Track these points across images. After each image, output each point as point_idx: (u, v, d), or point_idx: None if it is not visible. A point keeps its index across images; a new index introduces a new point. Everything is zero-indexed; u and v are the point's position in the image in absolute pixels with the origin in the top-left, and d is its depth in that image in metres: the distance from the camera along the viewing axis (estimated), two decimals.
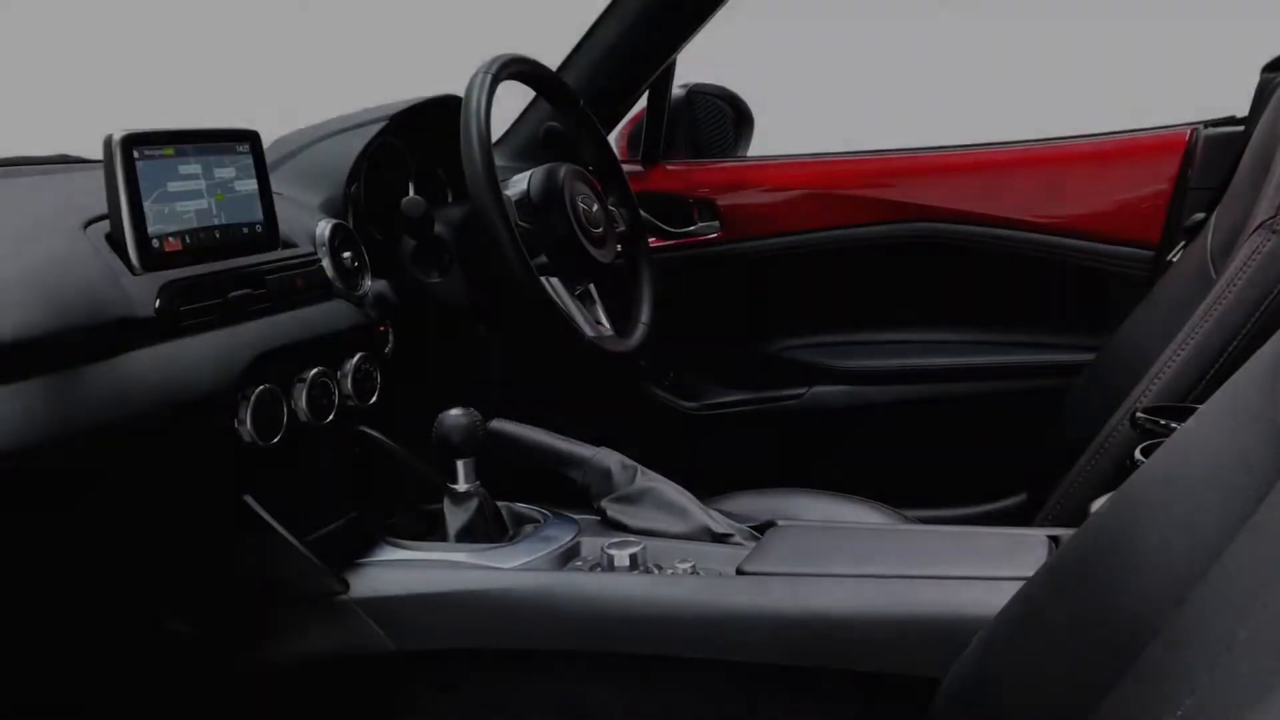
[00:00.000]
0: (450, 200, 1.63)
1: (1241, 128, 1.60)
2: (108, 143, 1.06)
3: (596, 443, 1.32)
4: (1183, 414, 1.04)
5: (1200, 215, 1.52)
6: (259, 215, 1.24)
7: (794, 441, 1.90)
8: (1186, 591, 0.60)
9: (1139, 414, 1.07)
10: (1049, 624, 0.76)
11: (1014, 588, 0.83)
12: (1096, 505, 0.94)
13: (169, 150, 1.13)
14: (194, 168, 1.16)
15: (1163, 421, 1.02)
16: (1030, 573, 0.94)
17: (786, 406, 1.89)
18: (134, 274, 1.06)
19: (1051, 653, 0.74)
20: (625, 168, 1.90)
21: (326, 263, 1.30)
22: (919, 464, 1.84)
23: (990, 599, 0.89)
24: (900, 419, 1.86)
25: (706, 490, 1.31)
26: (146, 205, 1.09)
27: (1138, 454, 0.96)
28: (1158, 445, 0.93)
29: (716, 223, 1.89)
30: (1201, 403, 0.72)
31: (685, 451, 1.90)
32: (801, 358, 1.90)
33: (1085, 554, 0.76)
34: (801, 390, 1.89)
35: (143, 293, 1.05)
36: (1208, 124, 1.68)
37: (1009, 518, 1.72)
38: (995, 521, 1.72)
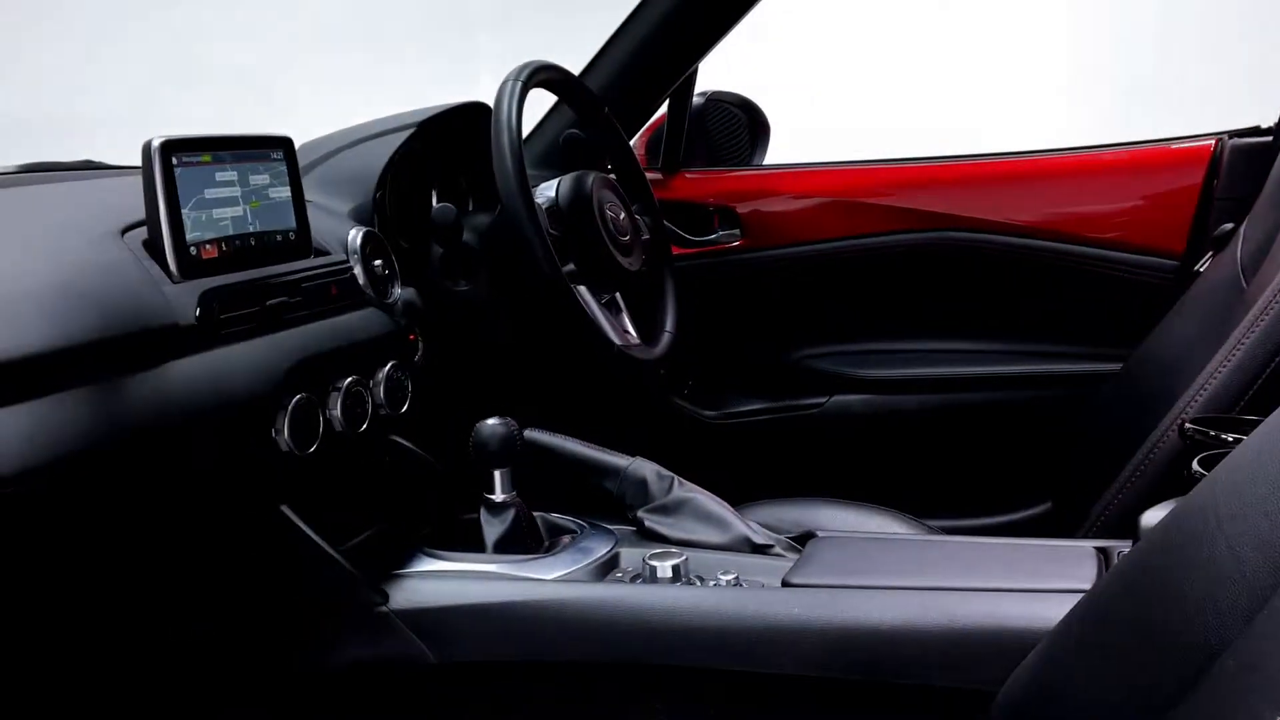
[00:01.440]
0: (472, 208, 1.62)
1: (1270, 138, 1.60)
2: (146, 149, 1.06)
3: (620, 451, 1.31)
4: (1233, 425, 1.04)
5: (1229, 225, 1.52)
6: (292, 223, 1.23)
7: (815, 451, 1.89)
8: (1258, 604, 0.60)
9: (1188, 425, 1.06)
10: (1114, 635, 0.75)
11: (1066, 600, 0.83)
12: (1149, 516, 0.94)
13: (206, 157, 1.12)
14: (230, 174, 1.15)
15: (1213, 433, 1.01)
16: (1081, 585, 0.94)
17: (807, 415, 1.89)
18: (173, 281, 1.05)
19: (1117, 664, 0.73)
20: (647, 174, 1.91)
21: (358, 270, 1.30)
22: (940, 473, 1.83)
23: (1043, 612, 0.89)
24: (921, 428, 1.86)
25: (728, 500, 1.31)
26: (185, 212, 1.08)
27: (1196, 465, 0.96)
28: (1217, 456, 0.93)
29: (737, 230, 1.88)
30: (1249, 413, 0.71)
31: (706, 461, 1.90)
32: (822, 366, 1.89)
33: (1149, 565, 0.75)
34: (822, 399, 1.88)
35: (183, 300, 1.04)
36: (1233, 134, 1.68)
37: (1033, 527, 1.72)
38: (1018, 531, 1.71)
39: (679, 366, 1.91)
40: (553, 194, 1.49)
